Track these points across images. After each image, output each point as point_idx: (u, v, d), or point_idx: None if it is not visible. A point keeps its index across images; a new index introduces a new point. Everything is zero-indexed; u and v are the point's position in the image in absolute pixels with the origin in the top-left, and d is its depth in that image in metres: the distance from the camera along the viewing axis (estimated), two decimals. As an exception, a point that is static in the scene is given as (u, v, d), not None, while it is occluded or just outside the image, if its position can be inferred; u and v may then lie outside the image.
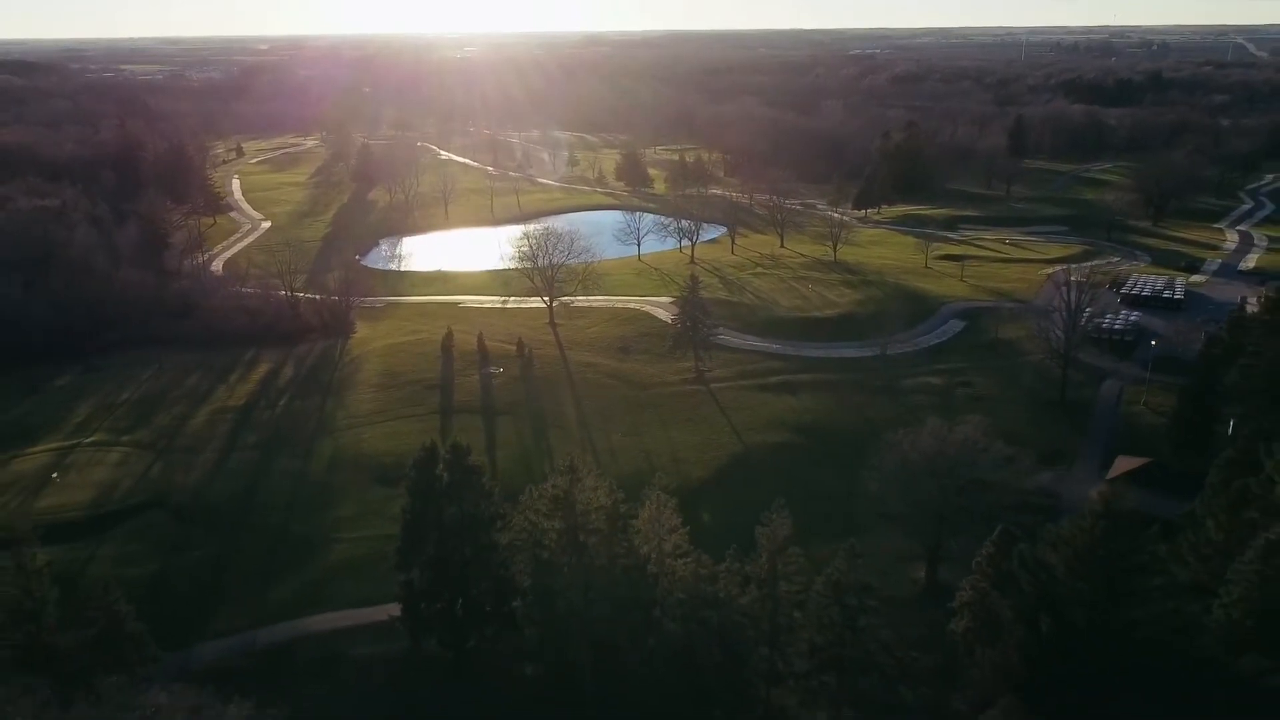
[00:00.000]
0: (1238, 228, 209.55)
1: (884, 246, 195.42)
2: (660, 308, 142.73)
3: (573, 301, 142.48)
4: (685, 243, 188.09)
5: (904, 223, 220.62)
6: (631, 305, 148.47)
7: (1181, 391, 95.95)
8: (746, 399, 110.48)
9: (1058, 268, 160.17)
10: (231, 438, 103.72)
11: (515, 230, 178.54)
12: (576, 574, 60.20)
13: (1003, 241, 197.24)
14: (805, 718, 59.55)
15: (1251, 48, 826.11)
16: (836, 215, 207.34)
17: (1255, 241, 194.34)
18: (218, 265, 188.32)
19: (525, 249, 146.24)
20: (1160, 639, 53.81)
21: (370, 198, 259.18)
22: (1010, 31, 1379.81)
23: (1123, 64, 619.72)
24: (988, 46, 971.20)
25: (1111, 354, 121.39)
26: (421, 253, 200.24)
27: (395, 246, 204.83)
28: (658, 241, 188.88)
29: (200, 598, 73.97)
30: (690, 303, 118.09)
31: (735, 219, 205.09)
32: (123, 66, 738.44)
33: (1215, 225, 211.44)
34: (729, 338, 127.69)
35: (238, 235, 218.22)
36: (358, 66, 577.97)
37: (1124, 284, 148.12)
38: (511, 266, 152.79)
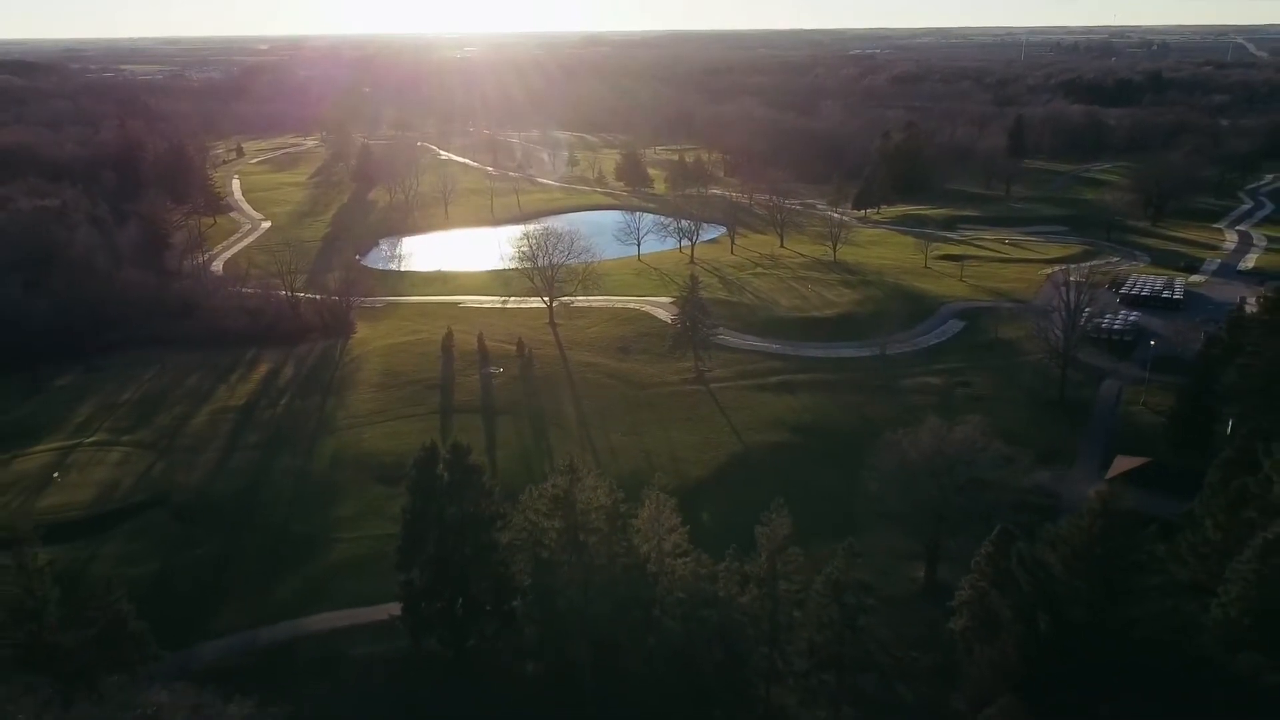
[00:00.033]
0: (1237, 228, 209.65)
1: (883, 246, 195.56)
2: (660, 308, 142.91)
3: (573, 301, 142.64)
4: (685, 243, 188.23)
5: (903, 223, 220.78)
6: (631, 305, 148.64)
7: (1180, 391, 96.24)
8: (746, 399, 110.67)
9: (1057, 268, 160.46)
10: (232, 437, 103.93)
11: (515, 230, 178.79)
12: (576, 573, 60.43)
13: (1002, 241, 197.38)
14: (805, 716, 59.75)
15: (1251, 48, 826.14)
16: (836, 215, 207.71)
17: (1254, 241, 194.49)
18: (218, 265, 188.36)
19: (525, 249, 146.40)
20: (1158, 638, 53.93)
21: (370, 198, 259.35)
22: (1010, 31, 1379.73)
23: (1122, 64, 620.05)
24: (987, 47, 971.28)
25: (1111, 354, 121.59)
26: (421, 253, 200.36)
27: (395, 246, 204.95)
28: (657, 241, 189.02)
29: (201, 597, 74.17)
30: (690, 303, 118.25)
31: (735, 219, 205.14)
32: (123, 66, 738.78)
33: (1214, 225, 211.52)
34: (728, 338, 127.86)
35: (238, 235, 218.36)
36: (358, 66, 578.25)
37: (1123, 284, 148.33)
38: (511, 266, 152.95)
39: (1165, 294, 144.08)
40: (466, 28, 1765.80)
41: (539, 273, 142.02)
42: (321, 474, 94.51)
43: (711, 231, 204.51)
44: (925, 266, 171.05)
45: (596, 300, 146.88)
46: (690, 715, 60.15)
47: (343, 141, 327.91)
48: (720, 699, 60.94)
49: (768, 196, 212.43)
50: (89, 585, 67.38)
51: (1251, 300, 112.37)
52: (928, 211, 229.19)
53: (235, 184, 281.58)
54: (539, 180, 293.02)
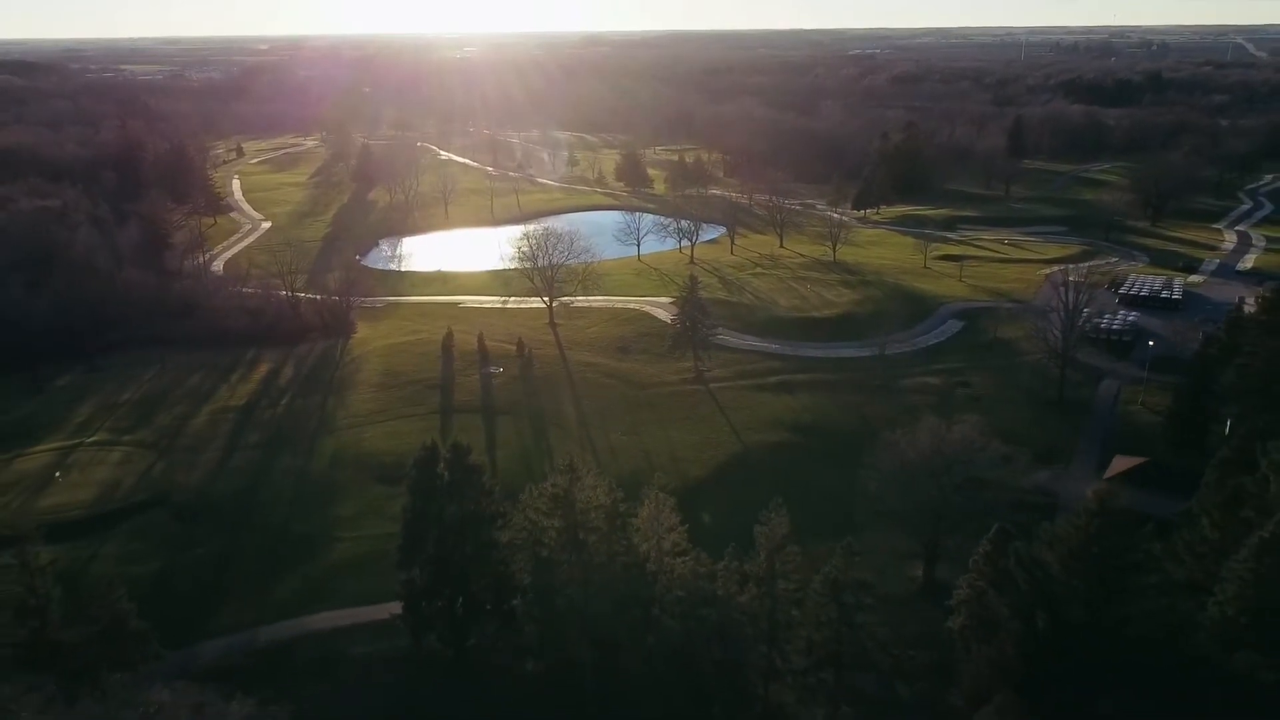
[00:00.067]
0: (1236, 228, 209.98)
1: (883, 247, 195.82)
2: (660, 308, 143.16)
3: (572, 301, 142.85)
4: (685, 243, 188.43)
5: (903, 223, 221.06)
6: (631, 305, 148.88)
7: (1178, 391, 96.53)
8: (745, 399, 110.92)
9: (1056, 268, 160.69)
10: (233, 437, 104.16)
11: (515, 230, 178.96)
12: (576, 572, 60.72)
13: (1001, 242, 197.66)
14: (803, 714, 59.97)
15: (1251, 48, 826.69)
16: (835, 215, 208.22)
17: (1253, 242, 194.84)
18: (219, 265, 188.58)
19: (525, 249, 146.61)
20: (1155, 636, 54.21)
21: (370, 198, 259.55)
22: (1010, 32, 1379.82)
23: (1122, 64, 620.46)
24: (987, 47, 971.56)
25: (1109, 354, 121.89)
26: (421, 253, 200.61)
27: (395, 247, 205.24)
28: (657, 242, 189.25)
29: (202, 596, 74.38)
30: (689, 303, 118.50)
31: (734, 219, 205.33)
32: (123, 66, 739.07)
33: (1214, 225, 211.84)
34: (728, 338, 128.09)
35: (238, 235, 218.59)
36: (358, 66, 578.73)
37: (1122, 284, 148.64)
38: (511, 267, 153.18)
39: (1164, 294, 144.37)
40: (466, 28, 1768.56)
41: (539, 273, 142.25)
42: (322, 474, 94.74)
43: (711, 232, 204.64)
44: (925, 267, 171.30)
45: (596, 300, 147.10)
46: (689, 713, 60.38)
47: (343, 141, 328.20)
48: (719, 697, 61.16)
49: (767, 197, 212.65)
50: (90, 584, 67.47)
51: (1250, 300, 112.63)
52: (927, 212, 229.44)
53: (235, 184, 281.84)
54: (539, 180, 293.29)
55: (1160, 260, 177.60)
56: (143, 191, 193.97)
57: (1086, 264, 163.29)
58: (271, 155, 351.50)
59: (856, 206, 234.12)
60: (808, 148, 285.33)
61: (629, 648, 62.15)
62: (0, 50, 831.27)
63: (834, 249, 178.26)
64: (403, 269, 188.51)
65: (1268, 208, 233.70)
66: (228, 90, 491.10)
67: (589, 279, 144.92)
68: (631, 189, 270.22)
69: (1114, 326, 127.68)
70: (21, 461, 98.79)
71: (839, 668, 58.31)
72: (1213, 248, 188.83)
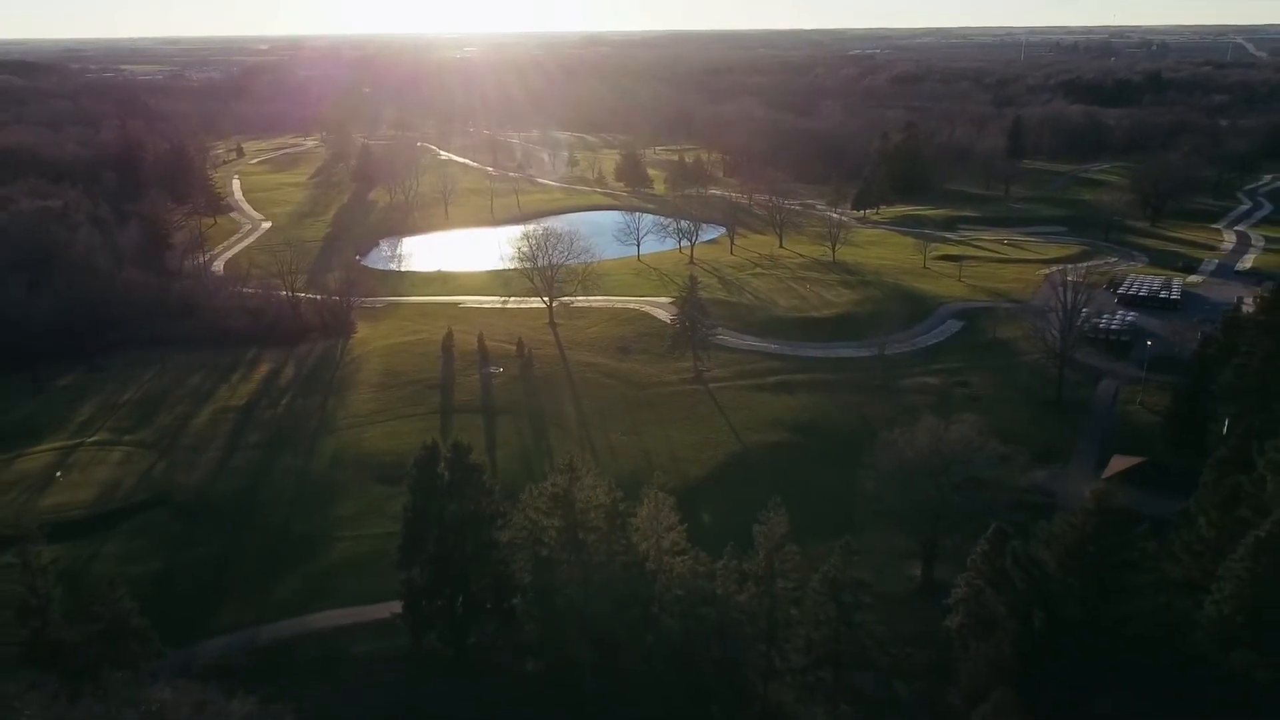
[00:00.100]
0: (1235, 228, 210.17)
1: (882, 247, 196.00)
2: (659, 308, 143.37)
3: (572, 302, 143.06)
4: (684, 243, 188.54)
5: (902, 223, 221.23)
6: (631, 305, 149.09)
7: (1177, 391, 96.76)
8: (745, 399, 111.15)
9: (1055, 268, 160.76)
10: (234, 437, 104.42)
11: (515, 231, 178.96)
12: (576, 571, 60.95)
13: (1001, 242, 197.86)
14: (802, 713, 60.23)
15: (1251, 48, 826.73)
16: (835, 215, 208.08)
17: (1253, 242, 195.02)
18: (219, 265, 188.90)
19: (525, 249, 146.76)
20: (1152, 635, 54.46)
21: (370, 198, 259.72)
22: (1010, 32, 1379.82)
23: (1122, 64, 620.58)
24: (987, 47, 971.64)
25: (1108, 354, 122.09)
26: (421, 253, 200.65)
27: (395, 247, 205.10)
28: (657, 242, 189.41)
29: (203, 595, 74.67)
30: (689, 303, 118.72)
31: (734, 219, 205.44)
32: (123, 66, 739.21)
33: (1213, 226, 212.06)
34: (727, 338, 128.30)
35: (238, 235, 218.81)
36: (358, 66, 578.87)
37: (1121, 284, 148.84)
38: (511, 267, 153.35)
39: (1163, 294, 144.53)
40: (466, 28, 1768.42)
41: (539, 273, 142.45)
42: (322, 473, 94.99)
43: (711, 232, 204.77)
44: (924, 267, 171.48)
45: (596, 300, 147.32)
46: (688, 712, 60.62)
47: (343, 142, 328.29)
48: (718, 695, 61.42)
49: (767, 197, 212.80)
50: (91, 584, 67.80)
51: (1249, 300, 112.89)
52: (927, 212, 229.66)
53: (235, 184, 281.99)
54: (539, 180, 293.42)
55: (1159, 260, 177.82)
56: (143, 191, 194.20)
57: (1085, 264, 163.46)
58: (271, 155, 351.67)
59: (856, 207, 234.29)
60: (807, 148, 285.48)
61: (628, 647, 62.39)
62: (0, 50, 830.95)
63: (833, 249, 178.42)
64: (403, 269, 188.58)
65: (1267, 208, 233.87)
66: (228, 90, 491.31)
67: (589, 279, 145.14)
68: (631, 189, 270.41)
69: (1113, 326, 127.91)
70: (23, 461, 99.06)
71: (837, 666, 58.62)
72: (1212, 248, 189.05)
